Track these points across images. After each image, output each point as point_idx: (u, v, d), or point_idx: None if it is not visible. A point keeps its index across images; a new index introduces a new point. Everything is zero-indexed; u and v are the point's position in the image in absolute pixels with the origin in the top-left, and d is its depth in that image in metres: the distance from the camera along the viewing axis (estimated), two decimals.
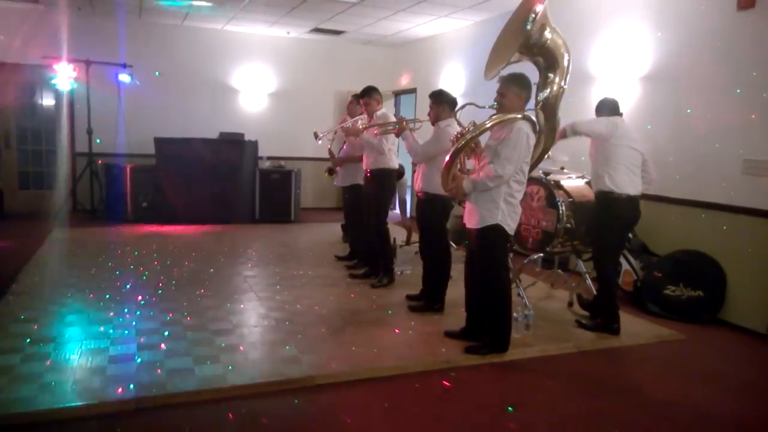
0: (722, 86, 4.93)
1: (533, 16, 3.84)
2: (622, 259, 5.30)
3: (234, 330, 4.26)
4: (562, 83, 4.07)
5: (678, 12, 5.34)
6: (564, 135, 4.45)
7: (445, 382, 3.55)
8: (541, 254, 5.04)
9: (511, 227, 3.80)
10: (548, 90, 4.10)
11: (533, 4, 3.89)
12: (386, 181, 5.46)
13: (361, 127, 5.57)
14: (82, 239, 7.28)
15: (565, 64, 4.04)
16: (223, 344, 3.94)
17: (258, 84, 10.29)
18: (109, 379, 3.34)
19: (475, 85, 8.34)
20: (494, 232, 3.76)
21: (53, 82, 8.45)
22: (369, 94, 5.49)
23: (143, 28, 9.35)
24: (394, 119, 5.21)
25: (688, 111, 5.20)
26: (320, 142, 6.32)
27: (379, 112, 5.45)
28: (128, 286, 5.23)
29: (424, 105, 5.03)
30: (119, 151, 9.14)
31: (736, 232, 4.82)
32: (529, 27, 3.85)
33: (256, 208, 9.13)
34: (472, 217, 3.88)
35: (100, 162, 8.90)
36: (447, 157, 3.89)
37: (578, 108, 5.93)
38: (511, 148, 3.64)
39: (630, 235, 5.28)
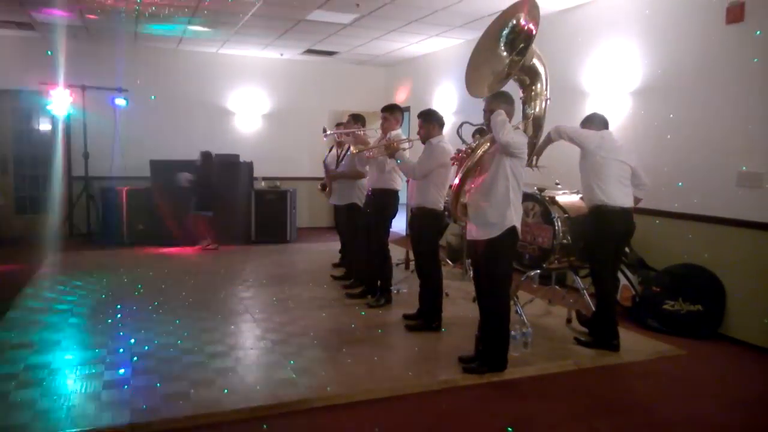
0: (714, 99, 4.95)
1: (513, 23, 3.93)
2: (620, 275, 5.27)
3: (230, 352, 4.22)
4: (547, 94, 4.12)
5: (668, 27, 5.38)
6: (549, 139, 4.47)
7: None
8: (538, 270, 5.02)
9: (520, 229, 3.85)
10: (536, 104, 4.16)
11: (514, 14, 3.99)
12: (388, 201, 5.44)
13: (355, 147, 5.56)
14: (78, 263, 7.24)
15: (544, 75, 4.10)
16: (218, 367, 3.90)
17: (252, 105, 10.33)
18: (103, 405, 3.31)
19: (467, 103, 8.38)
20: (509, 235, 3.77)
21: (49, 107, 8.47)
22: (391, 110, 5.42)
23: (139, 52, 9.40)
24: (406, 141, 5.18)
25: (670, 117, 5.22)
26: (325, 139, 6.36)
27: (393, 132, 5.36)
28: (124, 310, 5.19)
29: (416, 124, 5.05)
30: (115, 174, 9.14)
31: (734, 245, 4.80)
32: (504, 41, 3.95)
33: (252, 229, 9.11)
34: (484, 228, 3.83)
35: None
36: (456, 180, 3.89)
37: (571, 123, 5.93)
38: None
39: (627, 250, 5.27)
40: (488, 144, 3.81)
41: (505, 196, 3.74)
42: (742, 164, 4.73)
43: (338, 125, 7.06)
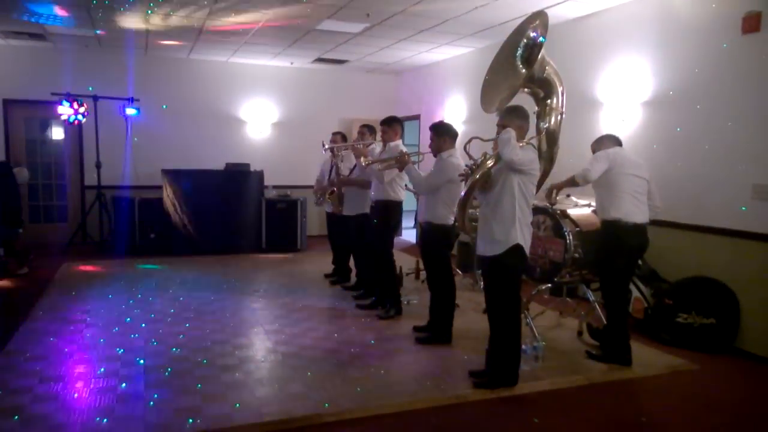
0: (729, 109, 4.91)
1: (525, 41, 3.94)
2: (631, 286, 5.23)
3: (241, 366, 4.24)
4: (562, 109, 4.11)
5: (683, 37, 5.34)
6: (575, 184, 4.39)
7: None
8: (549, 284, 5.00)
9: (527, 247, 3.81)
10: (550, 118, 4.15)
11: (525, 30, 3.99)
12: (390, 212, 5.47)
13: (365, 159, 5.56)
14: (91, 273, 7.30)
15: (560, 89, 4.10)
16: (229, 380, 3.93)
17: (263, 114, 10.38)
18: (117, 420, 3.33)
19: (477, 112, 8.35)
20: (513, 253, 3.74)
21: (62, 117, 8.55)
22: (389, 123, 5.48)
23: (150, 62, 9.48)
24: (405, 152, 5.18)
25: (679, 130, 5.19)
26: (325, 151, 6.41)
27: (392, 143, 5.40)
28: (136, 321, 5.22)
29: (427, 131, 5.04)
30: (126, 183, 9.22)
31: (749, 258, 4.75)
32: (520, 58, 3.93)
33: (262, 238, 9.14)
34: (489, 245, 3.82)
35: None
36: (462, 193, 3.91)
37: (586, 132, 5.90)
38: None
39: (639, 262, 5.23)
40: (494, 159, 3.81)
41: (511, 213, 3.71)
42: (757, 176, 4.69)
43: (335, 134, 6.94)
